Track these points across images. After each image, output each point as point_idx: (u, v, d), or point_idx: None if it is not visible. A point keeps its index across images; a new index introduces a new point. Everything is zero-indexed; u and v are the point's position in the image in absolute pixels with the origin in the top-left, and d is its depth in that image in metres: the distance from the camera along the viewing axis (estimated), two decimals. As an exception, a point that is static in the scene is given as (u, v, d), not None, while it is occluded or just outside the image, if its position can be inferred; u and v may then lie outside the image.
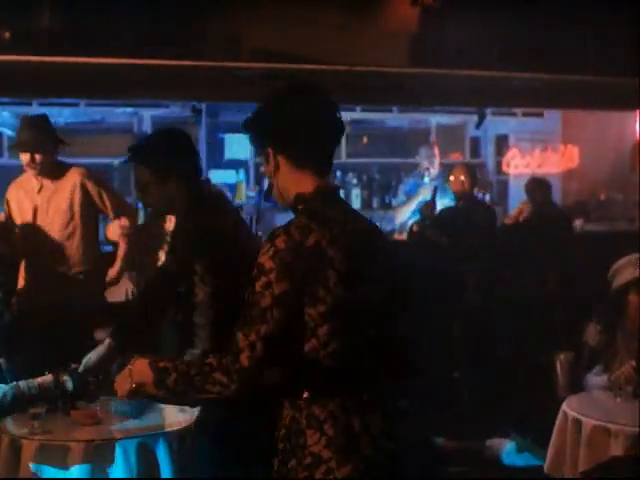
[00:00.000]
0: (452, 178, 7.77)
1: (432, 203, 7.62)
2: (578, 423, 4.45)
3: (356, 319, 2.50)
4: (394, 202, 8.34)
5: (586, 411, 4.50)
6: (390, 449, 2.57)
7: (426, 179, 8.07)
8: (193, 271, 3.51)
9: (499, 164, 10.92)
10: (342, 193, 6.19)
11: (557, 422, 4.65)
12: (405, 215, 8.25)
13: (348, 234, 2.52)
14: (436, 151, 8.19)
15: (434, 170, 8.10)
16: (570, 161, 11.06)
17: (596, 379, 4.94)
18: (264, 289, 2.45)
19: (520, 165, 10.77)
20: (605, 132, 11.16)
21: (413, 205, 8.01)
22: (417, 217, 7.98)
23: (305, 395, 2.51)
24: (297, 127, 2.57)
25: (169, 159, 3.61)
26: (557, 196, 10.42)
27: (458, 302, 7.54)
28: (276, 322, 2.44)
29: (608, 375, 4.85)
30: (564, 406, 4.63)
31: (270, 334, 2.44)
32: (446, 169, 8.15)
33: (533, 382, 7.26)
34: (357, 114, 9.84)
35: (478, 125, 9.63)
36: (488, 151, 11.01)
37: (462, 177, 7.74)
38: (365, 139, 10.69)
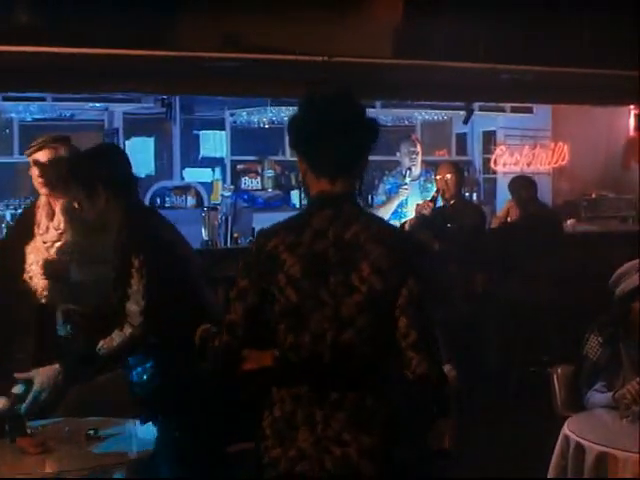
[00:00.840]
0: (438, 177, 7.33)
1: (433, 202, 7.13)
2: (581, 449, 4.00)
3: (310, 321, 2.64)
4: (376, 201, 7.93)
5: (590, 435, 4.05)
6: (341, 455, 2.61)
7: (407, 178, 7.53)
8: (131, 265, 3.68)
9: (486, 162, 10.69)
10: None
11: (557, 446, 4.20)
12: (385, 216, 7.52)
13: (319, 241, 2.64)
14: (418, 148, 7.68)
15: (416, 168, 7.59)
16: (561, 159, 10.76)
17: (599, 397, 4.49)
18: (234, 285, 2.76)
19: (508, 163, 10.50)
20: (596, 128, 10.91)
21: (394, 206, 7.51)
22: (405, 217, 7.53)
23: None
24: (299, 132, 2.72)
25: (98, 175, 3.74)
26: (547, 195, 10.18)
27: (447, 307, 6.98)
28: (238, 314, 2.72)
29: (612, 393, 4.39)
30: (565, 429, 4.18)
31: (233, 323, 2.73)
32: (431, 167, 7.73)
33: (525, 394, 7.00)
34: None
35: (466, 120, 9.20)
36: (475, 148, 10.87)
37: (448, 176, 7.29)
38: None
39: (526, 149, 10.62)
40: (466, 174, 7.99)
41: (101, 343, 3.70)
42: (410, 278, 2.61)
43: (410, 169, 7.44)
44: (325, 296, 2.63)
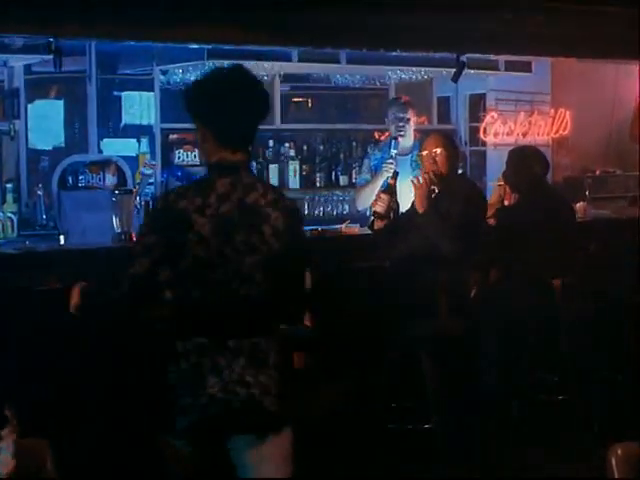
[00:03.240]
0: (424, 153, 5.63)
1: (389, 194, 5.65)
2: None
3: (215, 276, 2.97)
4: (358, 181, 6.83)
5: None
6: (246, 395, 2.97)
7: (392, 151, 6.25)
8: None
9: (474, 131, 9.41)
10: (276, 167, 7.80)
11: None
12: (368, 198, 6.39)
13: (225, 204, 2.96)
14: (409, 113, 6.44)
15: (407, 139, 6.38)
16: (562, 128, 9.45)
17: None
18: (137, 241, 3.13)
19: (501, 132, 9.17)
20: (599, 93, 9.77)
21: (377, 186, 6.20)
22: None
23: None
24: (205, 102, 2.99)
25: None
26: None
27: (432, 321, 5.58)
28: (143, 267, 2.98)
29: None
30: None
31: (137, 276, 2.99)
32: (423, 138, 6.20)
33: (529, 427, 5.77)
34: (293, 65, 7.90)
35: (456, 77, 7.54)
36: (460, 115, 9.46)
37: (437, 150, 5.57)
38: (305, 99, 9.52)
39: (521, 116, 9.27)
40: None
41: None
42: (303, 242, 3.15)
43: (396, 139, 6.26)
44: (230, 253, 2.96)
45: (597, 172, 9.72)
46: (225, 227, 2.96)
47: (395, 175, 5.75)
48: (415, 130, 6.51)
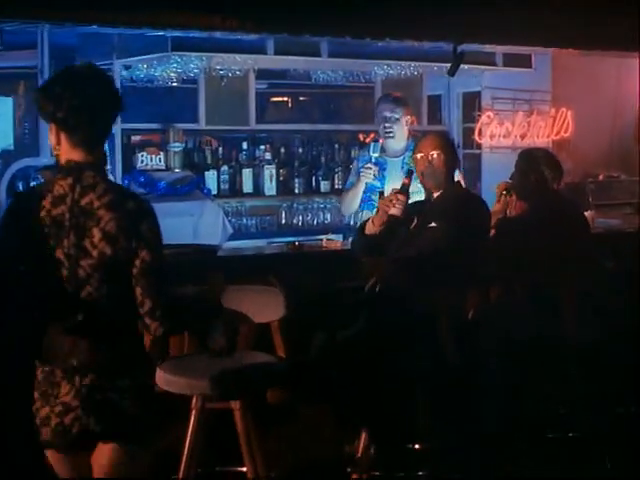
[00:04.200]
0: (418, 155, 4.92)
1: (404, 194, 4.83)
2: None
3: (51, 282, 2.94)
4: (347, 184, 6.25)
5: None
6: (102, 399, 2.95)
7: (373, 154, 5.72)
8: None
9: (468, 133, 9.03)
10: (250, 172, 7.56)
11: None
12: (351, 203, 5.97)
13: (58, 207, 2.93)
14: (400, 111, 5.87)
15: (397, 140, 5.83)
16: (563, 129, 8.98)
17: None
18: None
19: (497, 134, 8.77)
20: (601, 92, 9.40)
21: (359, 191, 5.82)
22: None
23: None
24: (60, 102, 2.92)
25: None
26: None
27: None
28: None
29: None
30: None
31: None
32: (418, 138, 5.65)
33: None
34: (268, 59, 7.25)
35: (452, 71, 6.93)
36: (452, 115, 9.07)
37: (434, 153, 4.86)
38: (282, 98, 9.13)
39: (520, 116, 8.84)
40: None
41: None
42: (142, 249, 2.94)
43: (377, 141, 5.80)
44: (62, 258, 2.93)
45: (600, 177, 9.29)
46: (56, 230, 2.96)
47: (409, 174, 5.01)
48: (410, 130, 6.01)
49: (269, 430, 4.60)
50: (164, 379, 4.02)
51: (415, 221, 4.84)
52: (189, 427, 4.06)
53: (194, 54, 6.83)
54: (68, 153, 2.98)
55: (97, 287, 2.93)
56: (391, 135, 5.83)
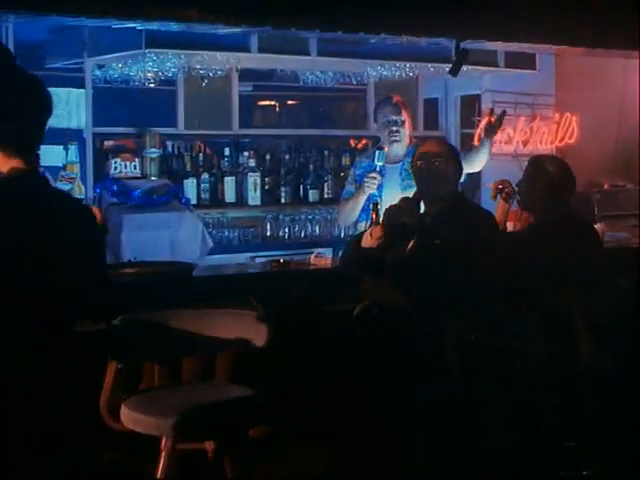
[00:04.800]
0: (419, 163, 4.52)
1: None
2: None
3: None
4: (343, 194, 5.98)
5: None
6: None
7: (378, 163, 5.41)
8: None
9: (466, 139, 8.60)
10: (232, 180, 7.19)
11: None
12: (350, 215, 5.72)
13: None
14: (404, 115, 5.67)
15: (400, 145, 5.59)
16: (568, 136, 8.59)
17: None
18: None
19: (498, 140, 8.20)
20: (605, 96, 8.98)
21: (360, 201, 5.52)
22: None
23: None
24: None
25: None
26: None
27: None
28: None
29: None
30: None
31: None
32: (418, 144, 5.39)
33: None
34: (252, 57, 6.79)
35: (454, 70, 6.51)
36: (450, 119, 8.77)
37: (437, 161, 4.49)
38: (268, 101, 8.76)
39: (522, 122, 8.42)
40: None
41: None
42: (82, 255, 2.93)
43: (382, 148, 5.50)
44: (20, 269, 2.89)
45: (605, 186, 8.88)
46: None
47: (375, 206, 4.76)
48: (410, 135, 5.77)
49: (251, 470, 4.20)
50: (129, 417, 3.71)
51: (414, 237, 4.39)
52: (159, 470, 3.70)
53: (170, 51, 6.36)
54: (6, 162, 2.88)
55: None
56: (398, 139, 5.60)
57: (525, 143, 8.40)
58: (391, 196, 5.16)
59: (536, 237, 5.10)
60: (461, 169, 4.62)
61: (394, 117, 5.66)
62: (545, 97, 8.56)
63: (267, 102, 8.70)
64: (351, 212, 5.53)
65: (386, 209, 4.44)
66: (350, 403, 4.51)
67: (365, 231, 4.63)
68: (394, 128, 5.64)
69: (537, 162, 5.21)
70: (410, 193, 4.68)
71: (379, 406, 4.42)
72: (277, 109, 8.85)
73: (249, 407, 3.81)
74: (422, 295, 4.18)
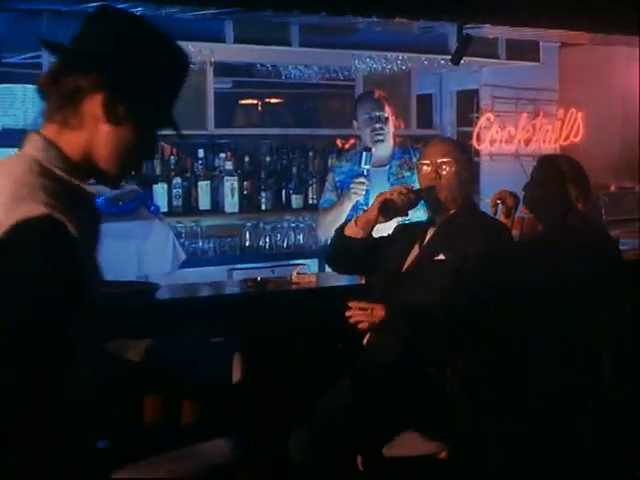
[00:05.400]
0: (424, 169, 3.96)
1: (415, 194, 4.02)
2: None
3: None
4: (321, 203, 5.56)
5: None
6: None
7: (365, 166, 4.96)
8: None
9: (464, 138, 8.12)
10: (207, 185, 6.72)
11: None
12: (331, 226, 5.06)
13: None
14: (387, 111, 5.20)
15: (385, 145, 5.17)
16: (573, 134, 8.18)
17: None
18: None
19: (498, 139, 7.98)
20: (610, 91, 8.65)
21: (345, 210, 5.11)
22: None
23: None
24: None
25: None
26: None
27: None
28: None
29: None
30: None
31: None
32: (415, 145, 5.25)
33: None
34: (228, 48, 6.28)
35: (456, 58, 6.12)
36: (445, 117, 8.39)
37: (446, 163, 3.91)
38: (249, 100, 8.28)
39: (524, 119, 8.00)
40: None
41: None
42: None
43: (369, 150, 5.03)
44: None
45: (612, 188, 8.48)
46: None
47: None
48: (396, 134, 5.33)
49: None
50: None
51: (417, 251, 3.81)
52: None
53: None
54: None
55: None
56: (382, 138, 5.12)
57: (528, 142, 8.03)
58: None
59: (546, 249, 4.61)
60: (472, 173, 4.07)
61: (376, 113, 5.20)
62: (548, 92, 8.17)
63: (248, 100, 8.24)
64: (333, 223, 5.00)
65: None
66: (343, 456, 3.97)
67: (350, 220, 4.20)
68: (377, 125, 5.19)
69: (548, 162, 4.73)
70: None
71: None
72: (259, 107, 8.38)
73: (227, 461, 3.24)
74: (424, 321, 3.58)
